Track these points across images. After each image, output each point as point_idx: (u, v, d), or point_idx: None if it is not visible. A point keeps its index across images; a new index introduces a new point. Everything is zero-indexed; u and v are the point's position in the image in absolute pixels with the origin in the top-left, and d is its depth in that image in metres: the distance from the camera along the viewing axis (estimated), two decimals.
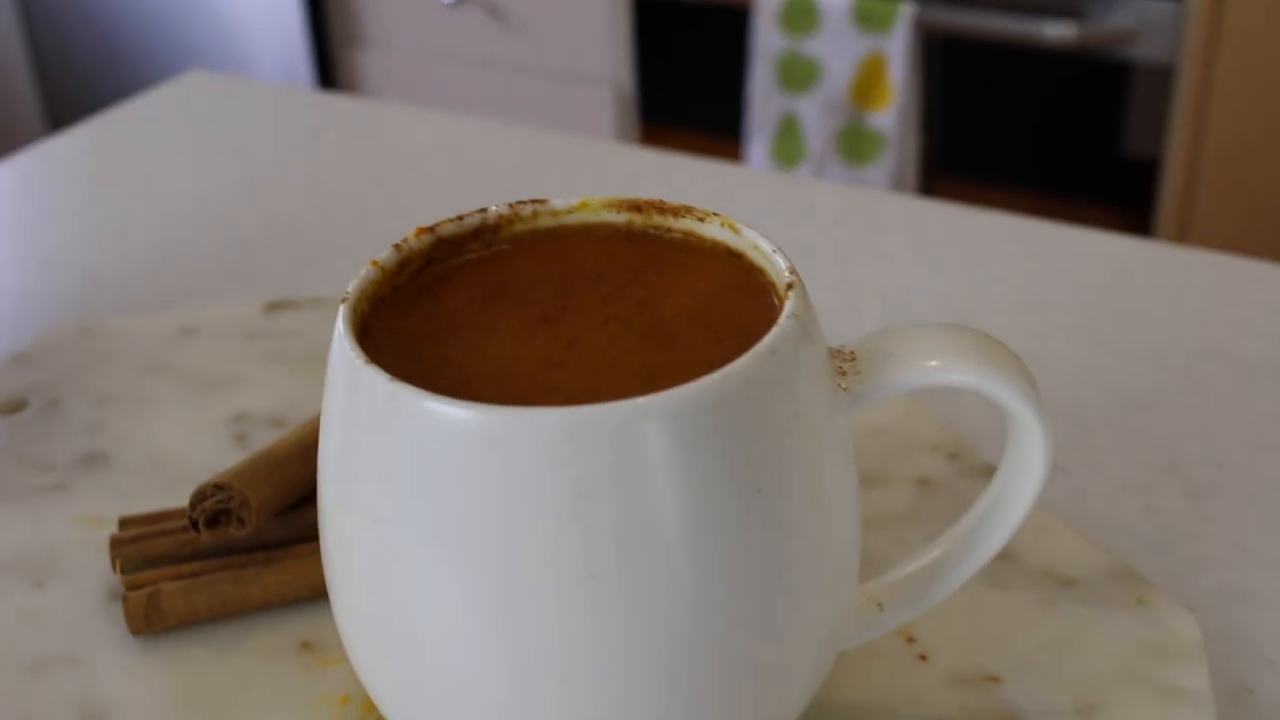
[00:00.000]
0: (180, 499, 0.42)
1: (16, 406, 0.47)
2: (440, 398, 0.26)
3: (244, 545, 0.39)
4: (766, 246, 0.31)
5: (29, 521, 0.42)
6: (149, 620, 0.37)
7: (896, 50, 1.44)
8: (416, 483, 0.27)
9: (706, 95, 1.67)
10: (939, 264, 0.57)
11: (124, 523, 0.40)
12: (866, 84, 1.48)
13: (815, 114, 1.50)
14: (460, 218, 0.32)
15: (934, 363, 0.30)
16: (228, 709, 0.35)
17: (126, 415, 0.46)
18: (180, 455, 0.44)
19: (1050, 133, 1.65)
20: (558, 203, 0.33)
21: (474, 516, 0.26)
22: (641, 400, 0.26)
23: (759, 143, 1.54)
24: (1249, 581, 0.40)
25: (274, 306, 0.52)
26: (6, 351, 0.51)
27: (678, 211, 0.32)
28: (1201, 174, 1.36)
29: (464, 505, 0.26)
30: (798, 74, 1.50)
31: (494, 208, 0.33)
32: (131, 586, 0.38)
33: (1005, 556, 0.39)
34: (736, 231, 0.31)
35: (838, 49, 1.47)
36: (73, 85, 1.99)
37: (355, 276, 0.30)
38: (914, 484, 0.42)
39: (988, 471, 0.42)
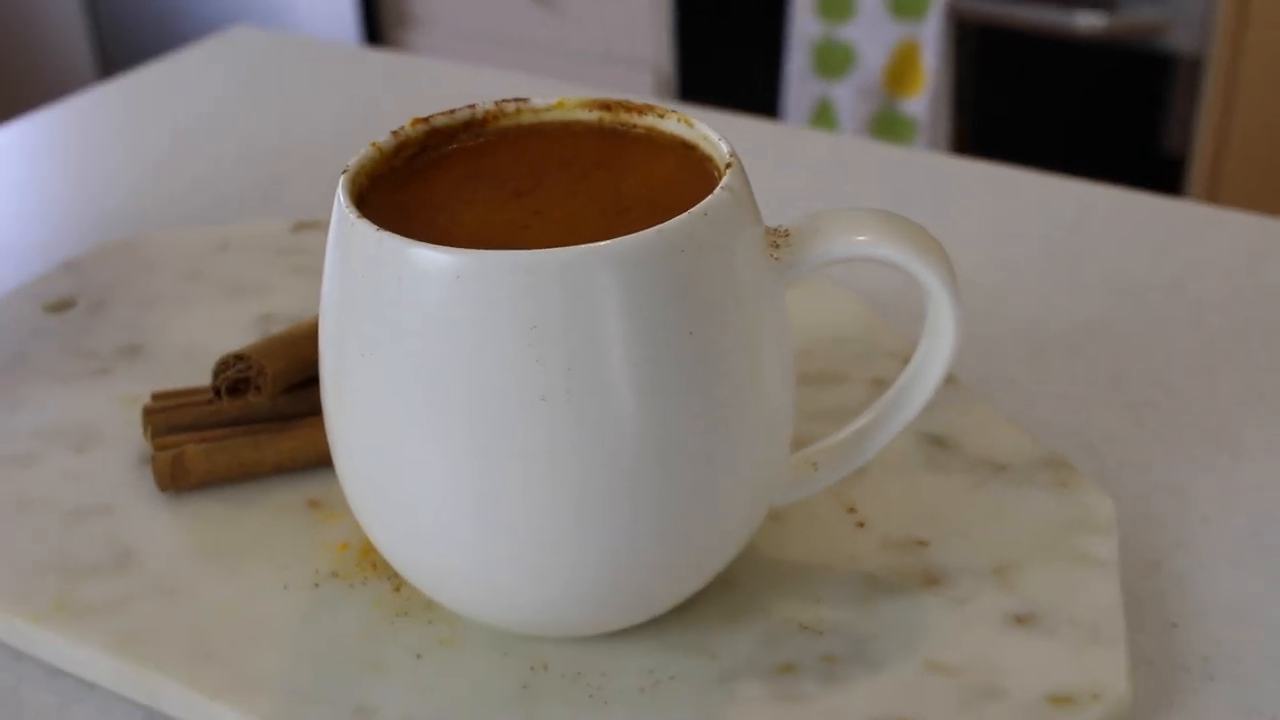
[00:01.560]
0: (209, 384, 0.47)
1: (65, 305, 0.52)
2: (419, 243, 0.30)
3: (261, 416, 0.43)
4: (714, 136, 0.35)
5: (73, 399, 0.47)
6: (174, 478, 0.42)
7: (929, 37, 1.47)
8: (398, 318, 0.31)
9: (743, 79, 1.71)
10: (916, 206, 0.61)
11: (156, 396, 0.45)
12: (900, 70, 1.52)
13: (849, 99, 1.54)
14: (452, 112, 0.37)
15: (860, 238, 0.34)
16: (243, 553, 0.40)
17: (164, 314, 0.51)
18: (210, 347, 0.49)
19: (1087, 126, 1.67)
20: (537, 101, 0.37)
21: (445, 347, 0.31)
22: (586, 246, 0.30)
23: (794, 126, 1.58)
24: (1172, 479, 0.44)
25: (301, 226, 0.57)
26: (59, 261, 0.56)
27: (642, 110, 0.37)
28: (1227, 167, 1.39)
29: (437, 336, 0.31)
30: (833, 59, 1.54)
31: (481, 104, 0.37)
32: (160, 448, 0.42)
33: (947, 445, 0.43)
34: (691, 126, 0.36)
35: (872, 35, 1.51)
36: (126, 51, 2.06)
37: (357, 156, 0.35)
38: (870, 383, 0.46)
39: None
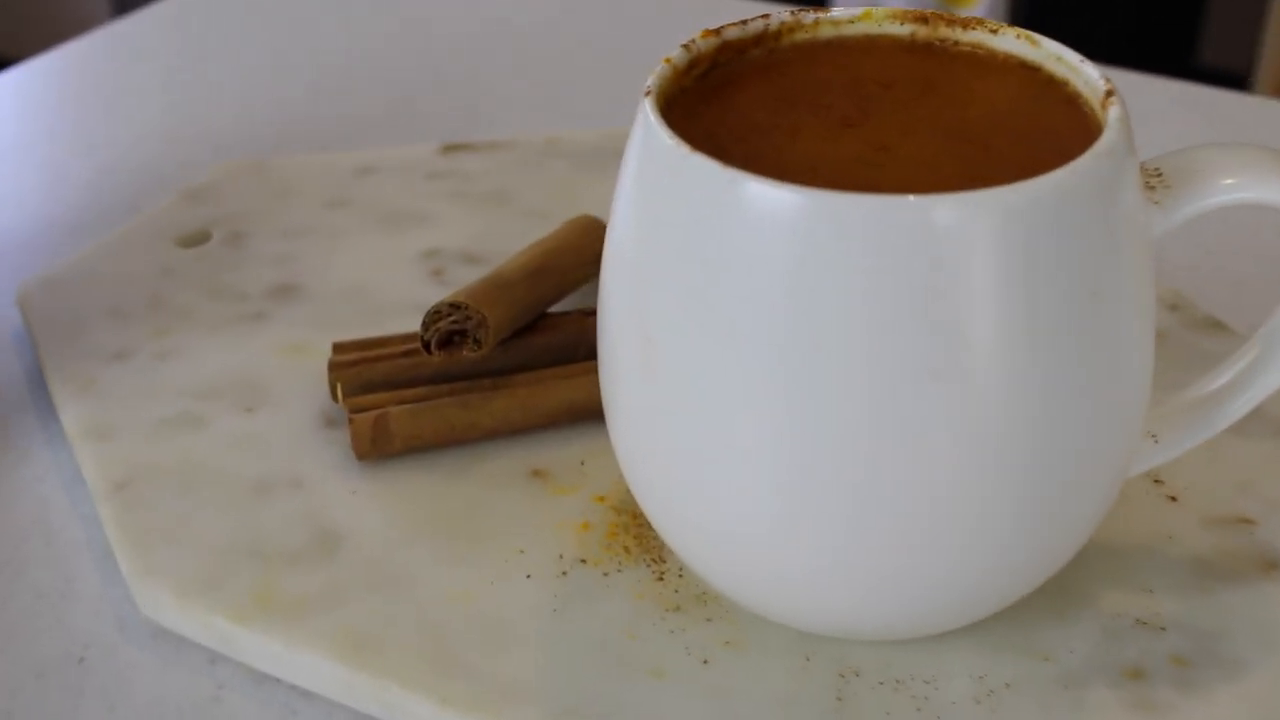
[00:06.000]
0: (381, 330, 0.41)
1: (199, 239, 0.46)
2: (786, 185, 0.25)
3: (466, 372, 0.38)
4: (1072, 58, 0.30)
5: (229, 350, 0.41)
6: (375, 444, 0.36)
7: None
8: (747, 268, 0.26)
9: None
10: None
11: (338, 348, 0.39)
12: None
13: (901, 2, 1.48)
14: (744, 22, 0.31)
15: (1241, 179, 0.29)
16: (466, 534, 0.35)
17: (314, 248, 0.46)
18: (376, 288, 0.44)
19: (1123, 38, 1.62)
20: (839, 12, 0.32)
21: (805, 307, 0.25)
22: (994, 189, 0.25)
23: None
24: None
25: (450, 148, 0.51)
26: (178, 187, 0.50)
27: (967, 24, 0.31)
28: None
29: (793, 296, 0.25)
30: None
31: (776, 14, 0.31)
32: (354, 410, 0.37)
33: None
34: (1034, 44, 0.30)
35: None
36: None
37: (652, 73, 0.29)
38: None
39: (1210, 323, 0.41)
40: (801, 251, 0.25)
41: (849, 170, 0.27)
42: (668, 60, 0.30)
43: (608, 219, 0.44)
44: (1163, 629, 0.32)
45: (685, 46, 0.30)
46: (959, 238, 0.25)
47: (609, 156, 0.50)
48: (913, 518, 0.27)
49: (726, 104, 0.30)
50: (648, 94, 0.28)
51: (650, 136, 0.27)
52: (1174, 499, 0.35)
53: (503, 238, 0.46)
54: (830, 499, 0.27)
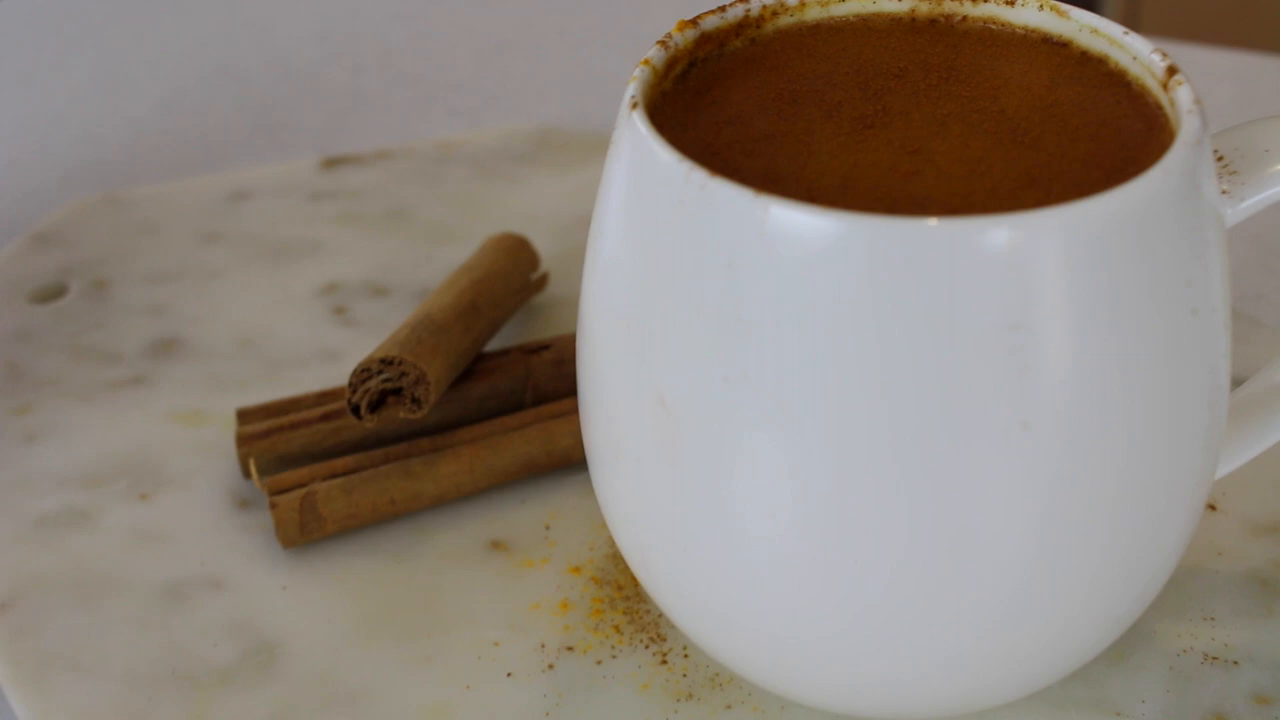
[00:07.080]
0: (285, 384, 0.36)
1: (55, 293, 0.40)
2: (836, 211, 0.21)
3: (398, 433, 0.33)
4: (1112, 30, 0.26)
5: (111, 424, 0.35)
6: (304, 529, 0.31)
7: None
8: (790, 312, 0.21)
9: None
10: None
11: (243, 415, 0.34)
12: None
13: None
14: (722, 9, 0.26)
15: None
16: (425, 631, 0.30)
17: (192, 293, 0.40)
18: (272, 335, 0.38)
19: None
20: None
21: (856, 351, 0.21)
22: (1079, 205, 0.21)
23: None
24: None
25: (332, 162, 0.45)
26: (22, 229, 0.44)
27: None
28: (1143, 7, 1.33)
29: (844, 335, 0.21)
30: None
31: None
32: (275, 490, 0.32)
33: None
34: (1062, 15, 0.26)
35: None
36: None
37: (633, 79, 0.24)
38: None
39: None
40: (860, 288, 0.21)
41: (886, 183, 0.23)
42: (646, 62, 0.25)
43: (526, 232, 0.40)
44: (1235, 663, 0.28)
45: (661, 43, 0.25)
46: (1048, 260, 0.21)
47: (511, 160, 0.45)
48: (991, 587, 0.23)
49: (718, 109, 0.25)
50: (634, 106, 0.23)
51: (646, 159, 0.23)
52: (1213, 507, 0.32)
53: (408, 264, 0.40)
54: (896, 577, 0.23)
